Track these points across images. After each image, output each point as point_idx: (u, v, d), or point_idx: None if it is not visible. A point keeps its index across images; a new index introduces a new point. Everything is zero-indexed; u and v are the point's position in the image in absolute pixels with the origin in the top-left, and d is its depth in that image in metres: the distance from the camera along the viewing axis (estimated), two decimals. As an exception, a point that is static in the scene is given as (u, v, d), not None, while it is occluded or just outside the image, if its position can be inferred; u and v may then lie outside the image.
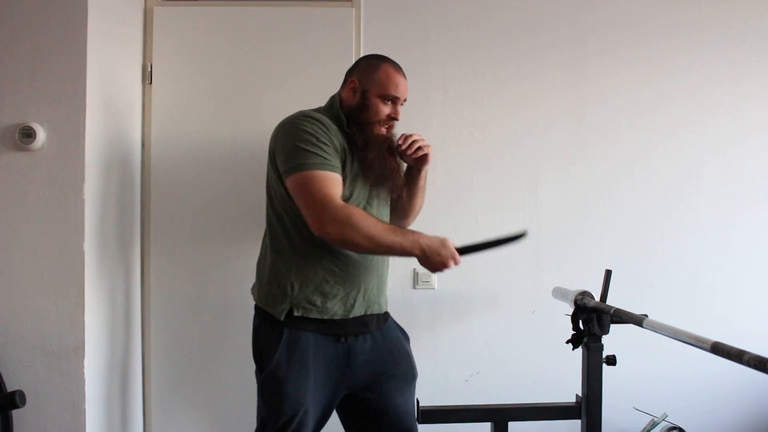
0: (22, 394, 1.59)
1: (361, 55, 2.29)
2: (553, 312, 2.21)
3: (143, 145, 2.26)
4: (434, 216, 2.33)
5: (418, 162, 1.80)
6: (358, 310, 1.70)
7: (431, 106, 2.34)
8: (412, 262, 2.31)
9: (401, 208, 1.87)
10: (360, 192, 1.70)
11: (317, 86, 2.13)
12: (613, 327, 1.85)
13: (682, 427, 2.25)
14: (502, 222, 2.35)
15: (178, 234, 2.26)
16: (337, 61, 2.23)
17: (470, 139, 2.36)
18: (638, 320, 1.63)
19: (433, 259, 1.59)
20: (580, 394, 1.93)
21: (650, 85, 2.38)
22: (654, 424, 2.22)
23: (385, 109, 1.72)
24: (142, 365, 2.27)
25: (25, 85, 1.80)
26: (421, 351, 2.32)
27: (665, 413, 2.24)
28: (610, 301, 1.84)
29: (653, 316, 1.63)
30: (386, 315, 1.82)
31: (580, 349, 1.90)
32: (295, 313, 1.65)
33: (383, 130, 1.73)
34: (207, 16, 2.29)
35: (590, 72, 2.37)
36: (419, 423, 1.91)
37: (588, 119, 2.37)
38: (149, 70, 2.26)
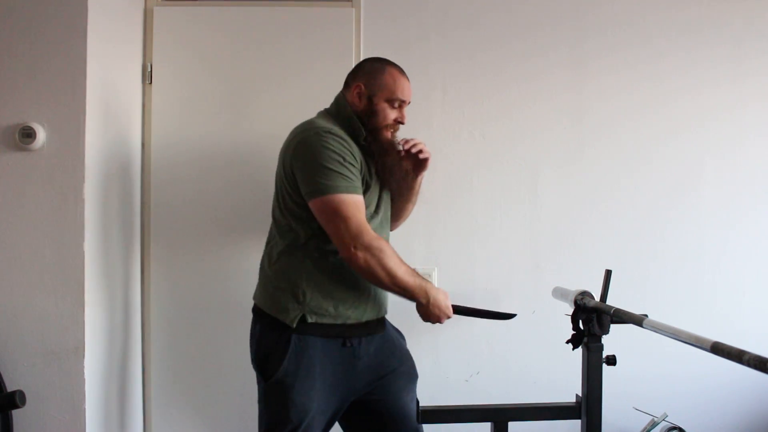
0: (22, 394, 1.58)
1: (362, 56, 2.30)
2: (553, 312, 2.21)
3: (143, 145, 2.26)
4: (434, 216, 2.33)
5: (418, 166, 1.80)
6: (370, 315, 1.71)
7: (431, 106, 2.34)
8: (413, 263, 2.31)
9: (394, 211, 1.87)
10: (371, 199, 1.71)
11: (317, 86, 2.14)
12: (613, 327, 1.85)
13: (682, 427, 2.25)
14: (502, 222, 2.35)
15: (178, 234, 2.26)
16: (337, 61, 2.24)
17: (470, 139, 2.36)
18: (638, 320, 1.63)
19: (433, 311, 1.66)
20: (580, 394, 1.93)
21: (650, 85, 2.38)
22: (654, 424, 2.22)
23: (392, 114, 1.72)
24: (142, 365, 2.27)
25: (25, 85, 1.80)
26: (421, 351, 2.32)
27: (665, 413, 2.24)
28: (610, 301, 1.84)
29: (653, 316, 1.63)
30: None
31: (580, 349, 1.90)
32: (309, 320, 1.63)
33: (389, 135, 1.74)
34: (207, 16, 2.29)
35: (590, 72, 2.37)
36: (419, 423, 1.91)
37: (588, 119, 2.37)
38: (149, 70, 2.26)
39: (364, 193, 1.66)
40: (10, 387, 1.77)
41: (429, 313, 1.66)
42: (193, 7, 2.30)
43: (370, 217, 1.68)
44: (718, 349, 1.32)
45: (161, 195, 2.26)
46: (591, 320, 1.84)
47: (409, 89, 1.77)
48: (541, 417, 1.98)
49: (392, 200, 1.84)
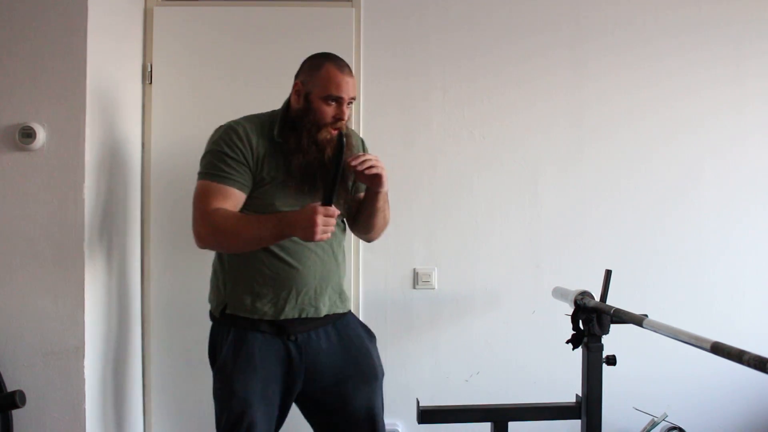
0: (22, 394, 1.58)
1: (362, 56, 2.31)
2: (553, 312, 2.20)
3: (143, 145, 2.26)
4: (434, 216, 2.33)
5: (372, 182, 1.69)
6: (289, 313, 1.68)
7: (431, 106, 2.35)
8: (413, 263, 2.34)
9: (360, 225, 1.82)
10: (286, 199, 1.67)
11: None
12: (613, 327, 1.85)
13: (682, 427, 2.25)
14: (502, 222, 2.35)
15: (178, 234, 2.25)
16: (337, 61, 2.23)
17: (470, 139, 2.36)
18: (638, 320, 1.63)
19: (304, 225, 1.49)
20: (580, 394, 1.93)
21: (650, 85, 2.38)
22: (654, 424, 2.22)
23: (329, 111, 1.65)
24: (142, 365, 2.27)
25: (25, 85, 1.80)
26: (421, 351, 2.33)
27: (665, 413, 2.24)
28: (610, 301, 1.84)
29: (653, 316, 1.63)
30: (340, 315, 1.78)
31: (580, 349, 1.89)
32: (227, 311, 1.68)
33: (332, 132, 1.66)
34: (207, 16, 2.29)
35: (590, 72, 2.37)
36: (419, 423, 1.91)
37: (588, 119, 2.37)
38: (149, 70, 2.26)
39: (264, 185, 1.66)
40: (10, 387, 1.76)
41: (305, 230, 1.49)
42: (193, 7, 2.30)
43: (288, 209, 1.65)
44: (718, 349, 1.32)
45: (161, 195, 2.26)
46: (591, 320, 1.84)
47: (349, 85, 1.66)
48: (541, 417, 1.97)
49: (355, 211, 1.80)
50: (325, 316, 1.74)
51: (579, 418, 1.92)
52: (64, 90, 1.80)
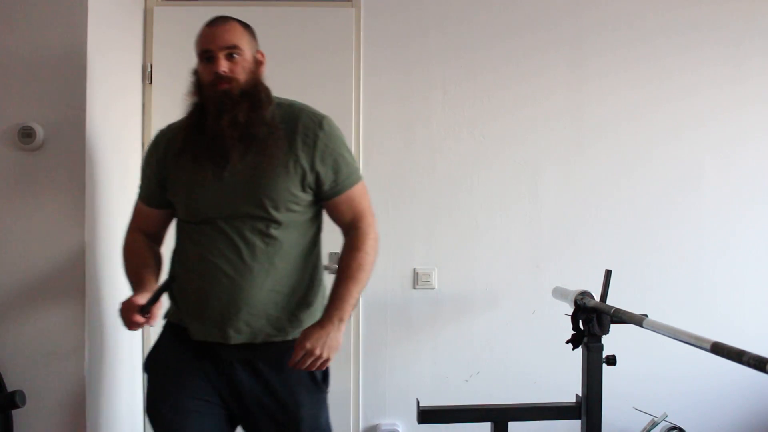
0: (22, 394, 1.58)
1: (362, 55, 2.31)
2: (553, 312, 2.21)
3: (143, 145, 2.26)
4: (434, 216, 2.33)
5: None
6: (212, 335, 1.46)
7: (431, 105, 2.35)
8: (413, 263, 2.34)
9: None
10: (179, 173, 1.54)
11: (317, 86, 2.14)
12: (613, 327, 1.85)
13: (682, 427, 2.25)
14: (502, 222, 2.35)
15: (178, 234, 2.25)
16: (337, 61, 2.23)
17: (470, 138, 2.36)
18: (638, 320, 1.63)
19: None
20: (580, 394, 1.93)
21: (650, 84, 2.38)
22: (654, 424, 2.22)
23: (208, 68, 1.48)
24: (142, 365, 2.26)
25: (25, 85, 1.80)
26: (421, 351, 2.33)
27: (665, 413, 2.24)
28: (610, 301, 1.84)
29: (653, 316, 1.63)
30: (272, 345, 1.47)
31: (580, 349, 1.90)
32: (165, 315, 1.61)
33: (223, 86, 1.46)
34: (207, 16, 2.27)
35: (590, 71, 2.37)
36: (419, 423, 1.91)
37: (588, 119, 2.37)
38: (149, 70, 2.26)
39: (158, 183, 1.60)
40: (10, 387, 1.76)
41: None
42: (193, 7, 2.30)
43: (184, 208, 1.55)
44: (718, 349, 1.32)
45: (161, 195, 2.25)
46: (591, 320, 1.84)
47: (216, 34, 1.48)
48: (541, 417, 1.97)
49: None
50: (242, 345, 1.46)
51: (579, 418, 1.92)
52: (64, 90, 1.80)
